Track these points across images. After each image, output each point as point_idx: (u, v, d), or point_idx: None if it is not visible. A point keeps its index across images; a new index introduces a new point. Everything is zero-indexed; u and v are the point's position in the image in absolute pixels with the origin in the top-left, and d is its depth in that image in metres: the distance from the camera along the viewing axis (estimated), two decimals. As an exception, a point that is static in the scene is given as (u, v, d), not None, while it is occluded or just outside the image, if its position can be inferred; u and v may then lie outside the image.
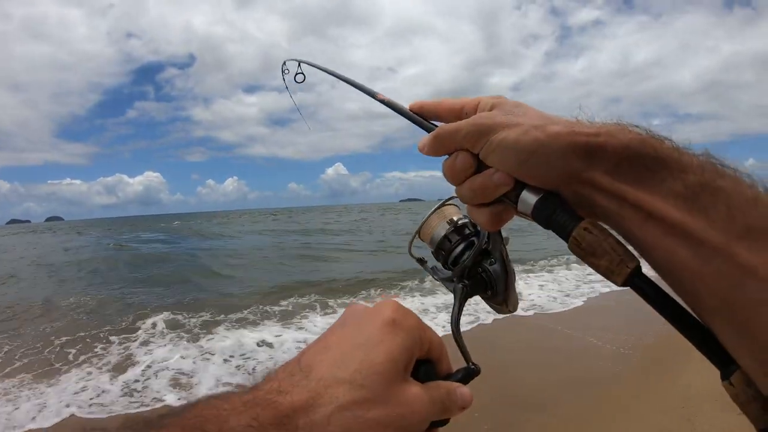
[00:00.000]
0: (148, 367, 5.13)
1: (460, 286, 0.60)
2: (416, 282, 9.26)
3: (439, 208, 0.65)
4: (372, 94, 0.70)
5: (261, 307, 7.86)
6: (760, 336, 0.34)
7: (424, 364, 0.48)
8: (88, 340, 6.29)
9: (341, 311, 0.50)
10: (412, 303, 7.61)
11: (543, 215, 0.46)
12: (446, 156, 0.53)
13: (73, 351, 5.79)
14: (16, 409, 4.20)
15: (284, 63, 0.97)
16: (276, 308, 7.81)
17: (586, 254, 0.43)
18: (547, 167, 0.45)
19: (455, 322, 0.60)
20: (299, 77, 0.93)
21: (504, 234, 0.59)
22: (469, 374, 0.52)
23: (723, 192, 0.37)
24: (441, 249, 0.64)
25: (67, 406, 4.21)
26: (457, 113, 0.56)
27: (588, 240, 0.42)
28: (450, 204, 0.65)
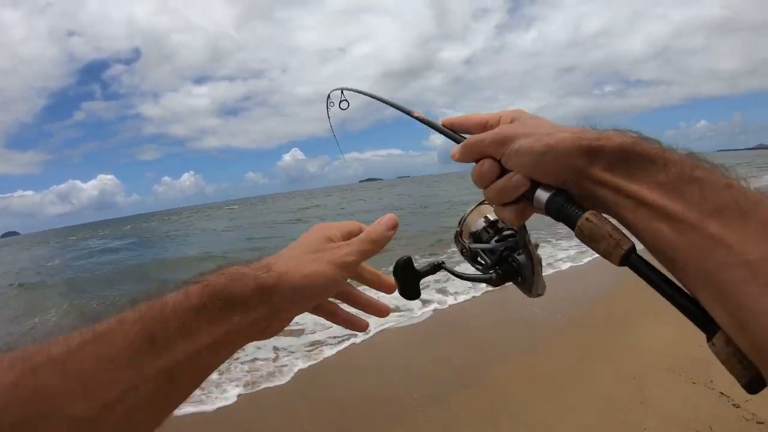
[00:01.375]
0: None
1: (493, 275, 0.72)
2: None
3: (476, 207, 0.79)
4: (408, 113, 0.80)
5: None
6: (731, 295, 0.41)
7: None
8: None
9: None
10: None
11: (554, 209, 0.55)
12: (473, 164, 0.63)
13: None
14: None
15: (329, 96, 1.03)
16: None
17: (589, 240, 0.52)
18: (556, 166, 0.54)
19: (462, 277, 0.75)
20: (344, 104, 1.01)
21: (534, 242, 0.71)
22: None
23: (699, 180, 0.46)
24: (479, 241, 0.77)
25: None
26: (483, 126, 0.66)
27: (589, 228, 0.51)
28: (485, 204, 0.78)
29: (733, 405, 3.17)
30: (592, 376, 3.89)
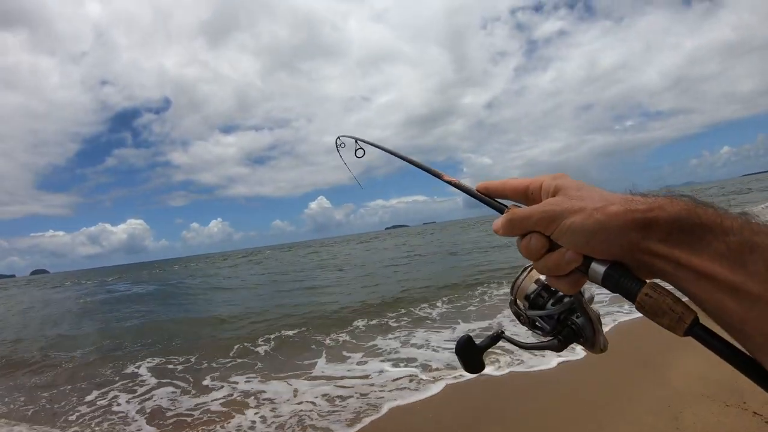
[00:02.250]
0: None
1: (555, 341, 0.72)
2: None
3: (528, 273, 0.77)
4: (438, 176, 0.77)
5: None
6: None
7: None
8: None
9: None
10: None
11: (611, 283, 0.54)
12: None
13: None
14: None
15: (338, 138, 1.06)
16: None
17: (650, 314, 0.51)
18: (609, 243, 0.52)
19: (524, 347, 0.75)
20: (359, 152, 1.00)
21: (587, 294, 0.70)
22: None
23: (759, 247, 0.44)
24: (536, 305, 0.75)
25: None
26: (522, 192, 0.64)
27: (649, 303, 0.51)
28: None
29: (766, 422, 3.22)
30: (630, 407, 3.88)
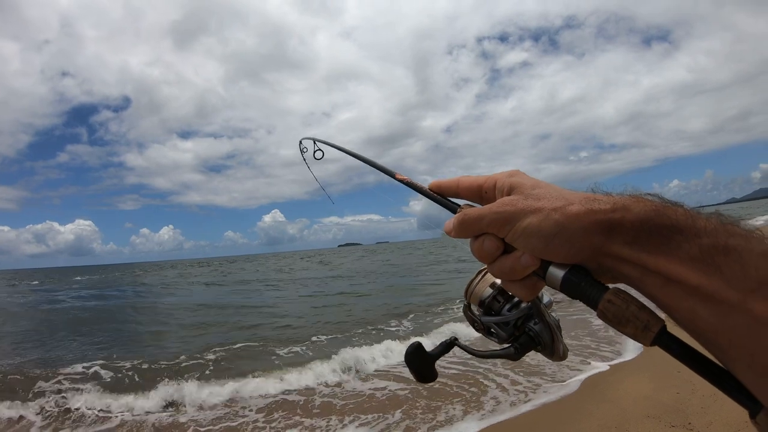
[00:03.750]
0: None
1: (512, 349, 0.67)
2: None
3: (482, 277, 0.71)
4: (391, 174, 0.72)
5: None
6: None
7: None
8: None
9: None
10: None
11: (570, 289, 0.49)
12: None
13: None
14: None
15: (301, 141, 1.01)
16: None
17: (614, 323, 0.46)
18: (569, 246, 0.48)
19: (479, 355, 0.69)
20: (318, 153, 0.96)
21: (546, 299, 0.66)
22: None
23: (735, 251, 0.39)
24: (491, 310, 0.70)
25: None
26: (476, 191, 0.59)
27: (612, 311, 0.46)
28: None
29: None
30: (577, 427, 3.89)
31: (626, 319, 0.45)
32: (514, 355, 0.67)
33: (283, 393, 5.71)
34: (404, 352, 0.68)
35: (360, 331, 9.48)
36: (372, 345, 7.44)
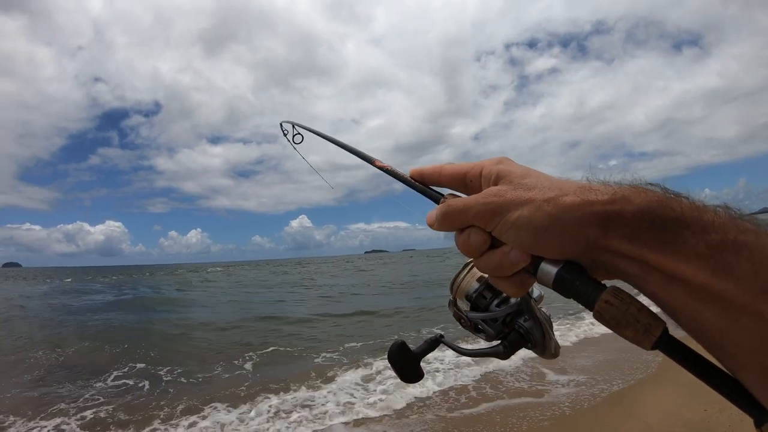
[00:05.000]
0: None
1: (501, 347, 0.64)
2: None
3: (469, 270, 0.67)
4: (370, 161, 0.67)
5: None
6: None
7: None
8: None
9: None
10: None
11: (564, 287, 0.45)
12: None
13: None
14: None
15: (281, 124, 0.98)
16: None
17: (611, 325, 0.42)
18: (563, 240, 0.43)
19: (466, 353, 0.67)
20: (297, 138, 0.94)
21: (536, 293, 0.63)
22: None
23: (746, 248, 0.36)
24: (478, 306, 0.66)
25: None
26: (460, 180, 0.54)
27: (610, 312, 0.42)
28: None
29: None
30: None
31: (625, 322, 0.41)
32: (503, 353, 0.64)
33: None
34: (387, 351, 0.65)
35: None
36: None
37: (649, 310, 0.41)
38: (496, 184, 0.49)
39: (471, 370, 5.92)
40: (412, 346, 0.65)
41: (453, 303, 0.69)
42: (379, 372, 6.29)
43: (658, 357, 5.32)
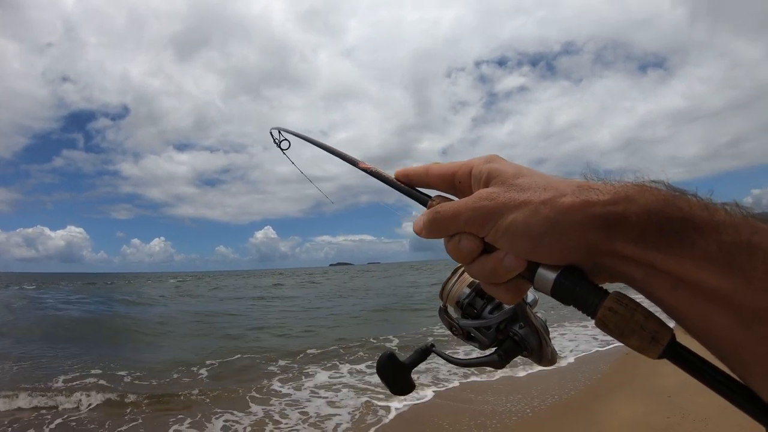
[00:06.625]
0: None
1: (496, 356, 0.61)
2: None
3: (459, 276, 0.63)
4: (354, 163, 0.65)
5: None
6: None
7: None
8: None
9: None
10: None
11: (563, 294, 0.42)
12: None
13: None
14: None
15: (271, 132, 0.96)
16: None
17: (615, 334, 0.39)
18: (562, 245, 0.40)
19: (459, 363, 0.64)
20: (284, 144, 0.92)
21: (531, 297, 0.60)
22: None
23: (760, 249, 0.33)
24: (470, 313, 0.63)
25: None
26: (449, 181, 0.51)
27: (614, 321, 0.39)
28: None
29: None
30: None
31: (630, 330, 0.38)
32: (498, 362, 0.60)
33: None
34: (376, 363, 0.61)
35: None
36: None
37: (657, 317, 0.38)
38: (487, 184, 0.46)
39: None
40: (402, 357, 0.62)
41: (443, 310, 0.66)
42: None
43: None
